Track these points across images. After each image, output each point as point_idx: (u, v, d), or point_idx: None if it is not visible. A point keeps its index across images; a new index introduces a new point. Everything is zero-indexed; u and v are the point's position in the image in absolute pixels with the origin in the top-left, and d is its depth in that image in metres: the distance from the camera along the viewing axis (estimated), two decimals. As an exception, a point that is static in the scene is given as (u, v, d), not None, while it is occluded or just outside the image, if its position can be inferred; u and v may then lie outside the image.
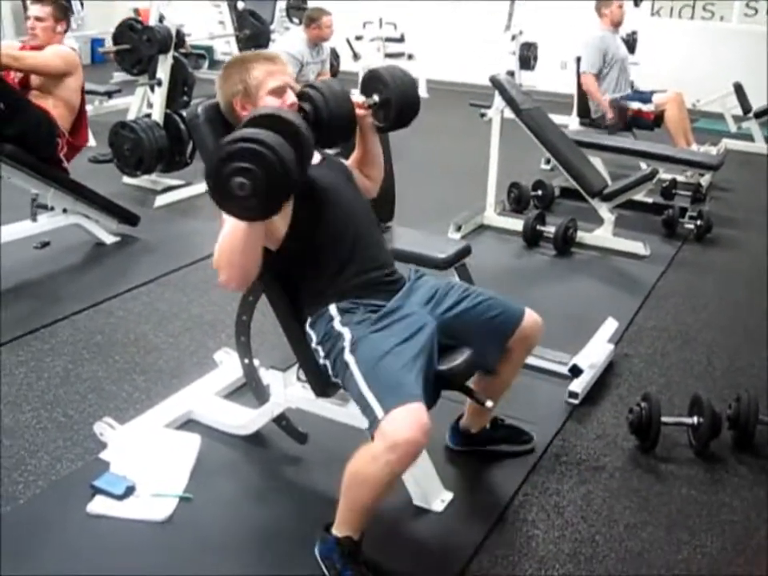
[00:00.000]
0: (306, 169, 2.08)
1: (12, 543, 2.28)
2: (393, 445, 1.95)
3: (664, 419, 2.79)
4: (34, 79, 4.30)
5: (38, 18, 4.31)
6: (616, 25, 6.21)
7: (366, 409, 2.08)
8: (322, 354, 2.30)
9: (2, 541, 2.28)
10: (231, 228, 2.08)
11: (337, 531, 2.14)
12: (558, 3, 9.11)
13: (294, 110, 2.32)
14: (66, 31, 4.44)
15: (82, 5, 9.38)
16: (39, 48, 4.30)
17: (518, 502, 2.55)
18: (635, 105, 6.15)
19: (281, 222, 2.26)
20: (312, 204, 2.30)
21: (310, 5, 7.86)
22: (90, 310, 3.78)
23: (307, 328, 2.36)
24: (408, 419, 1.97)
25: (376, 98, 2.45)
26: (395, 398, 2.02)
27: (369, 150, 2.56)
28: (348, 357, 2.18)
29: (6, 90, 4.01)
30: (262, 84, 2.30)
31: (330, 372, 2.29)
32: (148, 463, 2.60)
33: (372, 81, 2.49)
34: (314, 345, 2.33)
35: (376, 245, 2.41)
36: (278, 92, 2.31)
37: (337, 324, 2.25)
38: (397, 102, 2.45)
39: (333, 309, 2.28)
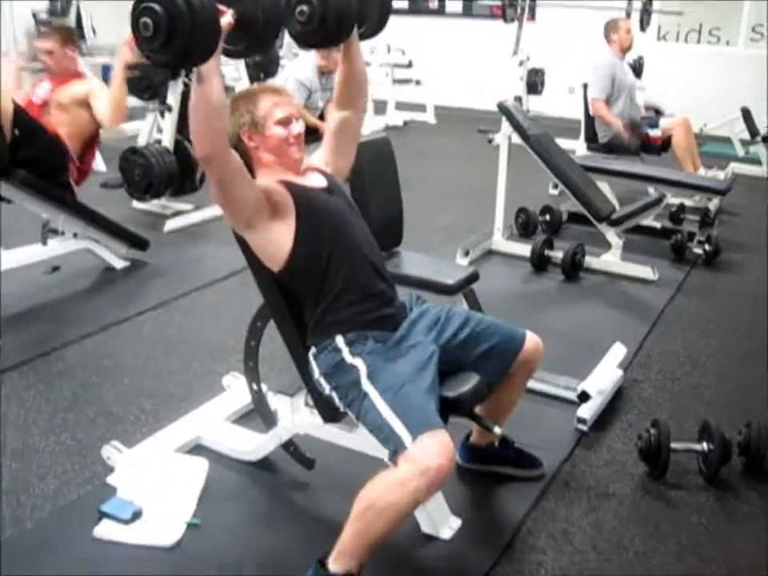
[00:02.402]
0: (261, 35, 2.06)
1: (18, 567, 2.28)
2: (424, 470, 1.96)
3: (673, 445, 2.77)
4: (56, 104, 4.35)
5: (48, 53, 4.38)
6: (624, 50, 6.24)
7: (390, 436, 2.08)
8: (326, 385, 2.31)
9: (9, 564, 2.27)
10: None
11: (336, 566, 2.06)
12: (564, 29, 9.18)
13: (300, 139, 2.36)
14: (76, 51, 4.49)
15: (94, 32, 9.49)
16: (59, 78, 4.38)
17: (527, 529, 2.53)
18: (642, 130, 6.17)
19: (282, 242, 2.28)
20: (315, 228, 2.31)
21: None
22: (100, 334, 3.79)
23: (310, 358, 2.37)
24: (437, 445, 2.00)
25: None
26: (422, 424, 2.05)
27: (354, 60, 2.46)
28: (367, 386, 2.18)
29: (22, 117, 4.06)
30: (268, 115, 2.33)
31: (339, 403, 2.29)
32: (155, 488, 2.60)
33: None
34: (316, 376, 2.34)
35: (379, 275, 2.41)
36: (284, 122, 2.35)
37: (347, 356, 2.26)
38: None
39: (340, 341, 2.29)
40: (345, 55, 2.46)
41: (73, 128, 4.35)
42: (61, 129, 4.30)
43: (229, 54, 2.11)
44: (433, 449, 1.99)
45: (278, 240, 2.29)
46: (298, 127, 2.38)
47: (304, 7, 2.24)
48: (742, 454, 2.83)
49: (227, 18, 1.98)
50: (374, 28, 2.52)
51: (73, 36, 4.57)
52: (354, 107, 2.54)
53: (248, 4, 2.02)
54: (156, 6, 1.85)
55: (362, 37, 2.49)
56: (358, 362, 2.24)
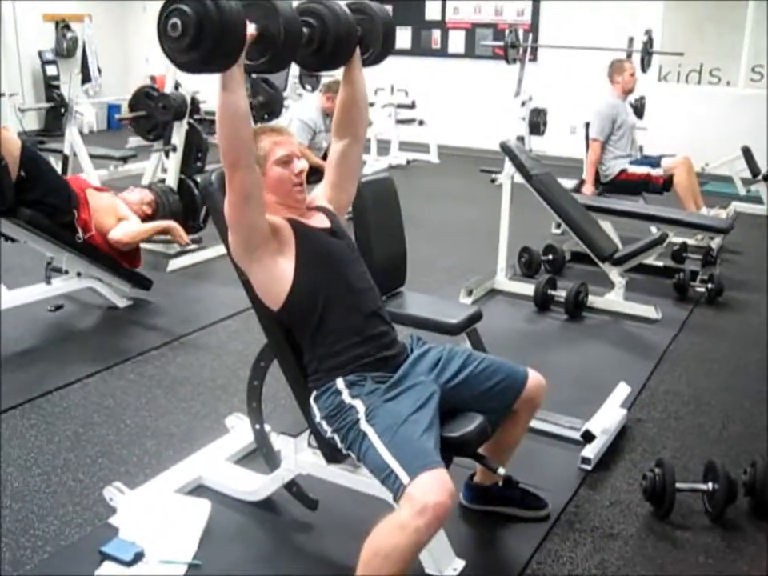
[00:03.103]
0: (287, 42, 2.09)
1: (19, 611, 2.26)
2: (422, 509, 1.94)
3: (678, 485, 2.76)
4: (109, 197, 4.66)
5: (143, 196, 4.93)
6: (627, 93, 6.31)
7: (389, 476, 2.06)
8: (328, 428, 2.30)
9: (9, 609, 2.26)
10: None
11: None
12: (566, 70, 9.27)
13: (302, 176, 2.38)
14: (145, 216, 4.81)
15: (99, 72, 9.61)
16: (125, 199, 4.75)
17: (531, 571, 2.51)
18: (644, 169, 6.21)
19: (282, 280, 2.29)
20: (312, 268, 2.32)
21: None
22: (103, 373, 3.79)
23: (311, 402, 2.36)
24: (435, 483, 1.98)
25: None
26: (420, 463, 2.03)
27: (356, 82, 2.47)
28: (365, 427, 2.17)
29: (29, 158, 4.12)
30: (269, 154, 2.35)
31: (341, 445, 2.28)
32: (157, 529, 2.58)
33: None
34: (317, 419, 2.33)
35: (378, 317, 2.41)
36: (285, 161, 2.37)
37: (346, 397, 2.26)
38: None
39: (340, 382, 2.29)
40: (346, 77, 2.47)
41: (106, 209, 4.50)
42: (96, 203, 4.44)
43: (250, 69, 2.15)
44: (430, 487, 1.97)
45: (279, 277, 2.30)
46: (300, 165, 2.39)
47: (304, 29, 2.27)
48: (748, 494, 2.81)
49: (250, 30, 2.02)
50: (378, 53, 2.51)
51: (157, 206, 4.96)
52: (354, 134, 2.54)
53: (270, 19, 2.06)
54: (186, 8, 1.90)
55: (366, 62, 2.50)
56: (357, 403, 2.23)
